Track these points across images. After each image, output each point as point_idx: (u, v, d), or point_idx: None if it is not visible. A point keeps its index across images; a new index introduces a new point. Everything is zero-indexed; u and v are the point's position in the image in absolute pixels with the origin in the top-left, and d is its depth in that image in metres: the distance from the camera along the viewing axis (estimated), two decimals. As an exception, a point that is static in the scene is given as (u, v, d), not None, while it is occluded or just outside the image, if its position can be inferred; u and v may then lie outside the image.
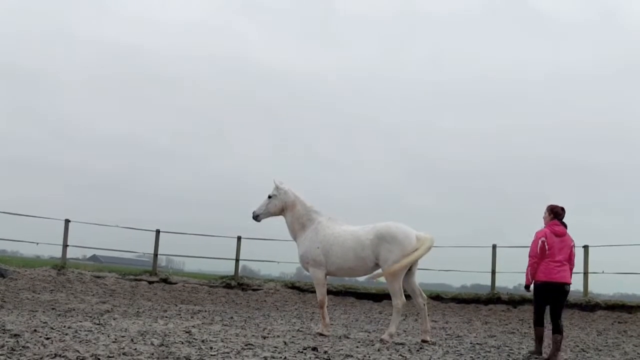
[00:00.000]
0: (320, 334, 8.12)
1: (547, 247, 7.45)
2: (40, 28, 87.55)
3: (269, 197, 8.83)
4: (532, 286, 7.58)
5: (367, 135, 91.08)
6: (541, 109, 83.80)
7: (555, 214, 7.69)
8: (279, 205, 8.77)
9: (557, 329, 7.26)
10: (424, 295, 8.30)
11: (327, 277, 8.69)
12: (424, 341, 7.91)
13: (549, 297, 7.41)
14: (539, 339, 7.55)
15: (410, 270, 8.09)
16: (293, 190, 8.84)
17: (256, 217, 8.94)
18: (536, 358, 7.30)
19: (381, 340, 7.65)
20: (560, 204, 7.79)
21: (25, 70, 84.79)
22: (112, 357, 5.02)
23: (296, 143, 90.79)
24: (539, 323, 7.56)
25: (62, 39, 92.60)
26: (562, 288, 7.35)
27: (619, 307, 14.82)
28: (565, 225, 7.67)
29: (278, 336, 7.41)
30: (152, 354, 5.25)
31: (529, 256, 7.65)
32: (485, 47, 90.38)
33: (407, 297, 8.13)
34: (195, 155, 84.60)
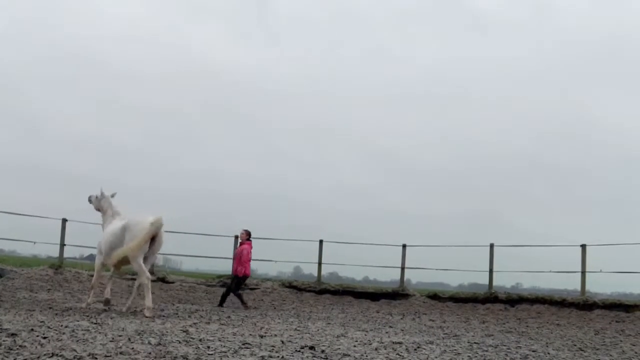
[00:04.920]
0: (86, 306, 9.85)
1: (250, 255, 13.33)
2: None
3: (96, 197, 10.77)
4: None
5: (329, 135, 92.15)
6: (487, 107, 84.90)
7: (249, 235, 13.46)
8: (96, 206, 10.79)
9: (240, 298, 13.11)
10: (149, 275, 9.40)
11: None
12: (147, 316, 8.82)
13: (243, 282, 13.62)
14: (244, 302, 12.84)
15: (152, 251, 9.56)
16: (110, 199, 10.65)
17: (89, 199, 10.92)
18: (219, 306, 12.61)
19: (145, 316, 8.70)
20: (249, 228, 13.67)
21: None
22: (110, 356, 5.01)
23: (263, 142, 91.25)
24: (237, 294, 13.10)
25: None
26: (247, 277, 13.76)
27: (617, 306, 14.85)
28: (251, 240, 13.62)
29: (275, 335, 7.41)
30: (150, 353, 5.24)
31: (246, 260, 13.14)
32: (425, 46, 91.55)
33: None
34: (179, 154, 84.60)
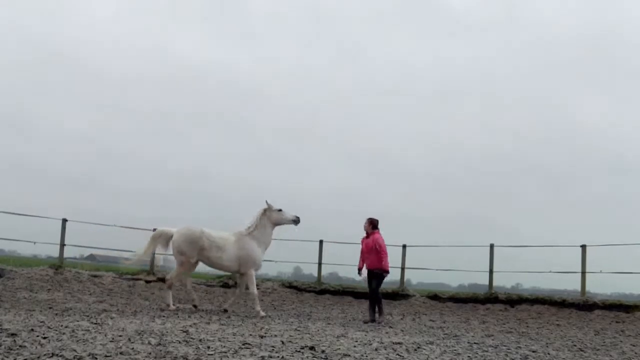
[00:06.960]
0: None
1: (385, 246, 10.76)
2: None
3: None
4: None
5: (328, 135, 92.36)
6: (485, 107, 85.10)
7: (373, 224, 10.85)
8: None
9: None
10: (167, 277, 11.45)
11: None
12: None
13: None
14: (381, 311, 10.97)
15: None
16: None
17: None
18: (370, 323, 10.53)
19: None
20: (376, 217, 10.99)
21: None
22: (110, 356, 5.01)
23: (263, 143, 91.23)
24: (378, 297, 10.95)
25: None
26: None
27: (617, 307, 14.82)
28: None
29: (275, 335, 7.40)
30: (150, 353, 5.24)
31: (385, 252, 10.66)
32: (404, 46, 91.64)
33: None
34: (176, 155, 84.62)
